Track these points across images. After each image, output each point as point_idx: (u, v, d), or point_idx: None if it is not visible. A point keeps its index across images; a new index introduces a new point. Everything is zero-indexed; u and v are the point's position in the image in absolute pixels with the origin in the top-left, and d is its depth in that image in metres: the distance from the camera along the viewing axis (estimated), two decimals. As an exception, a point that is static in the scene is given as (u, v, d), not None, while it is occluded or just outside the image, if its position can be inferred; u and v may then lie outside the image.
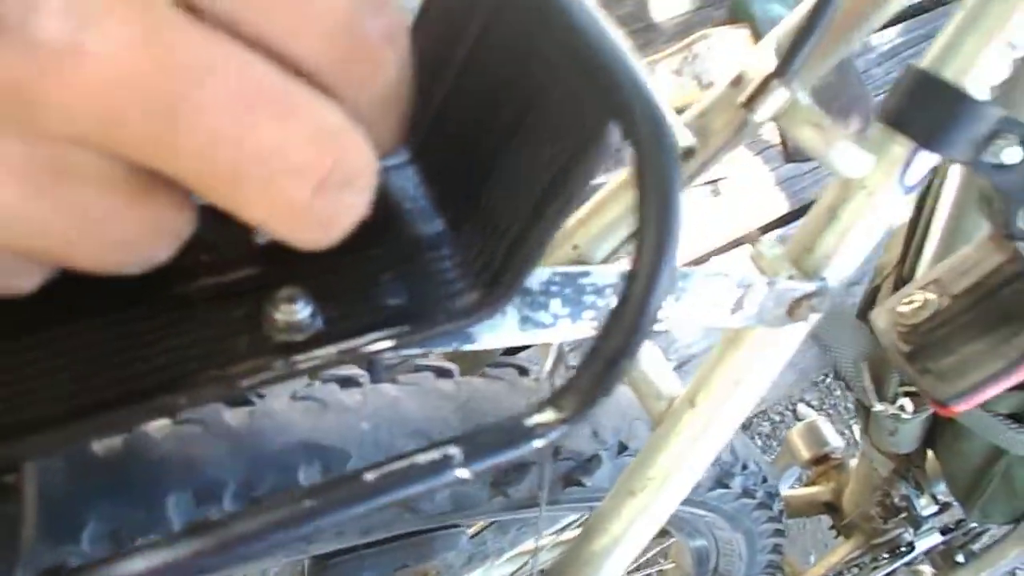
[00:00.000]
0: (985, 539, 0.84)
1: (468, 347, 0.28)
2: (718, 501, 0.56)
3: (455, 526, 0.43)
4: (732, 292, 0.31)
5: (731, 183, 0.82)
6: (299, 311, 0.23)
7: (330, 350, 0.23)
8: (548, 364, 0.39)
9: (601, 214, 0.41)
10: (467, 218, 0.26)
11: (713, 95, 0.37)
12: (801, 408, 1.26)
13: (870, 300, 0.59)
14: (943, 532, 0.83)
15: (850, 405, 1.32)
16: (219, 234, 0.23)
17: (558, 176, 0.23)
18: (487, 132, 0.26)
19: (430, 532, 0.41)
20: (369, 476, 0.21)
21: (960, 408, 0.34)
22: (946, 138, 0.30)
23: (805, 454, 1.02)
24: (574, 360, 0.42)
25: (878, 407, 0.59)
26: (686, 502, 0.55)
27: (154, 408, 0.22)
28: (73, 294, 0.21)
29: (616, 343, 0.21)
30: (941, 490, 0.76)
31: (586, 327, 0.28)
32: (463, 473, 0.21)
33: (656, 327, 0.32)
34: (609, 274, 0.28)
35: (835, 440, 1.02)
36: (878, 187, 0.32)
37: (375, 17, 0.17)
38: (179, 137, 0.14)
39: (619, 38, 0.21)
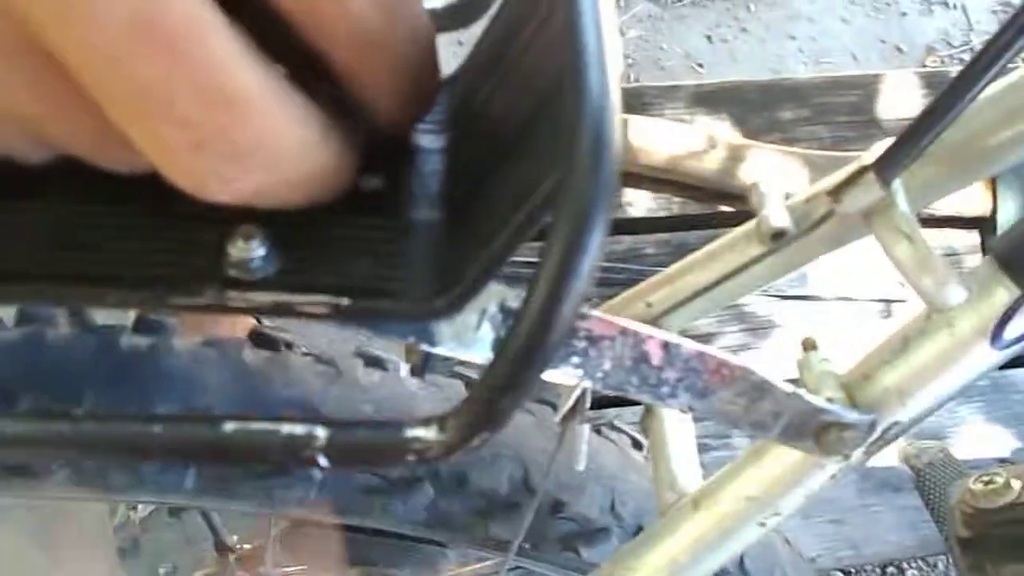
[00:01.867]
0: None
1: (431, 349, 0.27)
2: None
3: (440, 544, 0.41)
4: (745, 391, 0.27)
5: (908, 306, 0.74)
6: (253, 250, 0.23)
7: (266, 297, 0.23)
8: (566, 405, 0.37)
9: (684, 279, 0.38)
10: (463, 217, 0.25)
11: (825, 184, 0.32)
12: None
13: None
14: None
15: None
16: None
17: (545, 203, 0.22)
18: (502, 135, 0.25)
19: (414, 541, 0.40)
20: (228, 426, 0.20)
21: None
22: (1066, 297, 0.25)
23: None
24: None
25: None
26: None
27: (84, 295, 0.23)
28: (69, 179, 0.23)
29: (502, 375, 0.19)
30: None
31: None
32: (318, 459, 0.20)
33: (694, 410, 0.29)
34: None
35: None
36: (966, 331, 0.26)
37: None
38: (75, 31, 0.14)
39: (611, 69, 0.19)
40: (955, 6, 1.99)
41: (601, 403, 0.65)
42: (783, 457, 0.30)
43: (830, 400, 0.28)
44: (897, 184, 0.27)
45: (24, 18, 0.14)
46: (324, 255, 0.24)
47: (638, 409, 0.52)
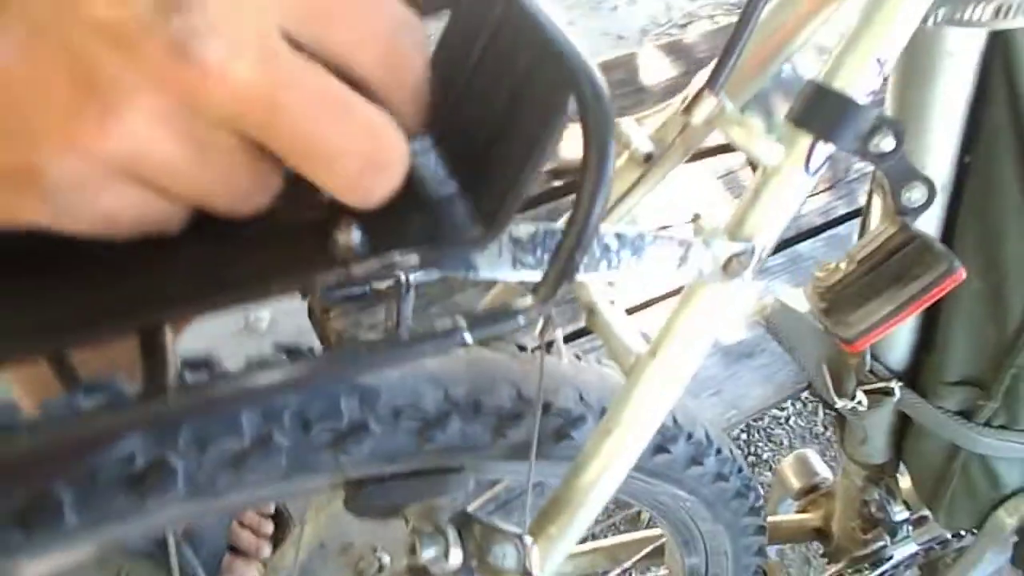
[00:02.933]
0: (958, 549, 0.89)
1: (473, 276, 0.38)
2: (696, 483, 0.64)
3: (462, 469, 0.51)
4: (676, 251, 0.40)
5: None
6: (354, 236, 0.33)
7: (375, 262, 0.33)
8: (537, 328, 0.48)
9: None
10: (473, 181, 0.37)
11: (667, 112, 0.47)
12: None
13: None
14: (925, 548, 0.89)
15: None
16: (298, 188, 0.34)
17: (535, 139, 0.33)
18: (489, 118, 0.36)
19: (443, 471, 0.50)
20: (404, 335, 0.30)
21: (862, 344, 0.43)
22: (838, 133, 0.40)
23: (795, 484, 1.08)
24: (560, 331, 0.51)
25: (839, 403, 0.67)
26: (668, 481, 0.63)
27: (254, 294, 0.32)
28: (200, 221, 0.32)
29: (570, 244, 0.32)
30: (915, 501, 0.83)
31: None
32: (469, 338, 0.31)
33: (614, 277, 0.41)
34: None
35: (824, 471, 1.08)
36: (788, 171, 0.41)
37: (408, 35, 0.27)
38: (277, 126, 0.22)
39: (580, 45, 0.31)
40: (654, -7, 2.33)
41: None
42: (702, 292, 0.44)
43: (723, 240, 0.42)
44: (722, 94, 0.42)
45: (238, 123, 0.23)
46: (392, 232, 0.35)
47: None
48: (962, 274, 0.41)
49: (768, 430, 1.48)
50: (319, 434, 0.42)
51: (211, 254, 0.33)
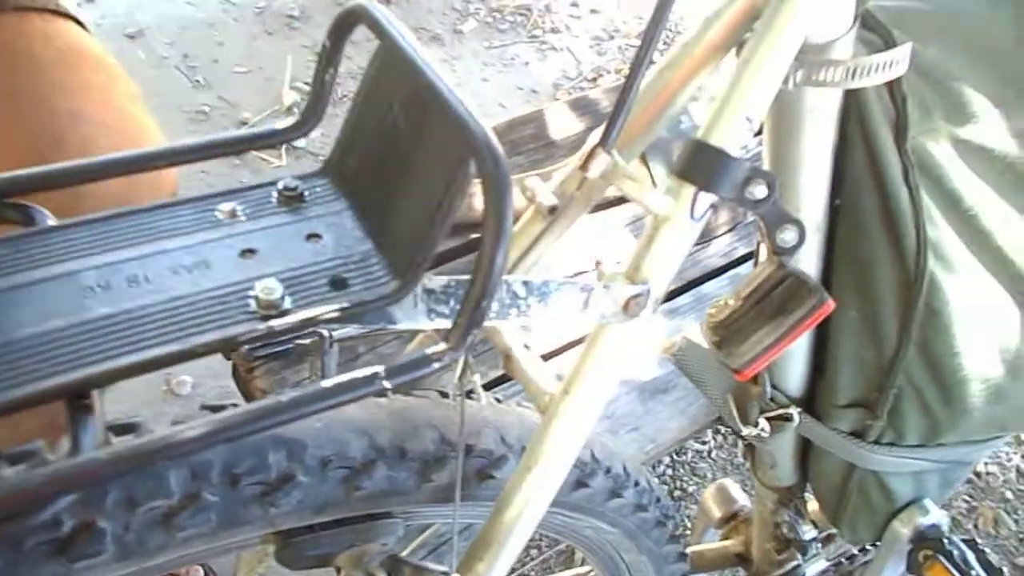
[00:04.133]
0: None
1: (392, 327, 0.40)
2: (617, 515, 0.67)
3: (390, 515, 0.53)
4: (579, 296, 0.44)
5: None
6: (274, 292, 0.36)
7: (295, 317, 0.36)
8: (457, 374, 0.51)
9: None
10: (387, 239, 0.40)
11: (568, 167, 0.51)
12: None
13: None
14: (834, 563, 0.94)
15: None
16: None
17: (443, 197, 0.37)
18: (398, 180, 0.40)
19: (371, 518, 0.52)
20: (326, 383, 0.33)
21: (751, 372, 0.47)
22: (717, 183, 0.45)
23: (717, 513, 1.12)
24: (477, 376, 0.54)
25: (744, 431, 0.72)
26: (591, 514, 0.65)
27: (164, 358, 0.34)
28: None
29: (477, 293, 0.35)
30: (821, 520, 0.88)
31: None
32: (388, 384, 0.34)
33: (524, 322, 0.45)
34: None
35: (743, 498, 1.13)
36: (676, 219, 0.46)
37: None
38: None
39: (477, 116, 0.35)
40: (562, 49, 2.43)
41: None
42: (606, 333, 0.47)
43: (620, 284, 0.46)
44: (614, 151, 0.46)
45: None
46: (315, 290, 0.38)
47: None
48: (830, 305, 0.46)
49: (692, 464, 1.54)
50: (248, 488, 0.44)
51: (134, 315, 0.35)
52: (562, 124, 1.07)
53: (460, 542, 0.63)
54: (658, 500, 0.72)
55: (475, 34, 2.39)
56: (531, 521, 0.51)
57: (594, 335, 0.48)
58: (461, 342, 0.35)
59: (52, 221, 0.37)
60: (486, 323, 0.40)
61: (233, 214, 0.39)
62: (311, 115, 0.41)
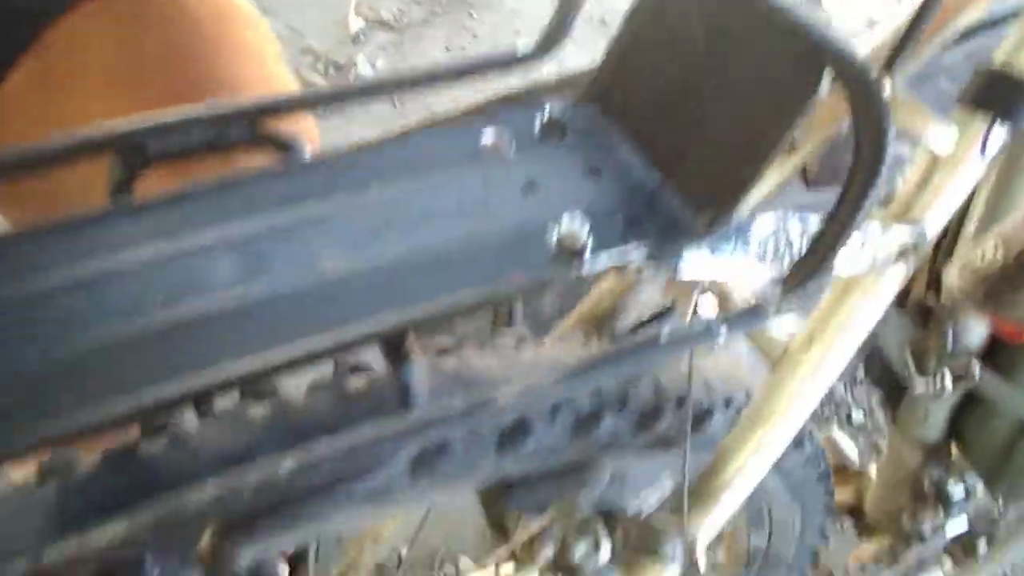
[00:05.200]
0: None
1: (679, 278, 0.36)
2: (792, 465, 0.64)
3: (602, 463, 0.50)
4: (856, 238, 0.39)
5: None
6: (579, 233, 0.32)
7: (603, 259, 0.32)
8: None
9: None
10: (677, 171, 0.35)
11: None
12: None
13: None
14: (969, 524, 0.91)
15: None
16: None
17: (772, 121, 0.32)
18: (692, 105, 0.35)
19: (584, 466, 0.49)
20: (663, 333, 0.29)
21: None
22: (1017, 111, 0.40)
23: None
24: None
25: (920, 387, 0.68)
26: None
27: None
28: None
29: (835, 231, 0.30)
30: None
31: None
32: (725, 334, 0.30)
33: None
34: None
35: (852, 451, 1.10)
36: (961, 153, 0.41)
37: None
38: None
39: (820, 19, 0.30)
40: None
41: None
42: (866, 280, 0.43)
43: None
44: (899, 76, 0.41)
45: None
46: (617, 229, 0.33)
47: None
48: None
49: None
50: (489, 435, 0.41)
51: None
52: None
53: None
54: (823, 454, 0.69)
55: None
56: (755, 475, 0.48)
57: (848, 282, 0.44)
58: (799, 287, 0.30)
59: (307, 154, 0.33)
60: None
61: (498, 146, 0.35)
62: (555, 37, 0.36)
